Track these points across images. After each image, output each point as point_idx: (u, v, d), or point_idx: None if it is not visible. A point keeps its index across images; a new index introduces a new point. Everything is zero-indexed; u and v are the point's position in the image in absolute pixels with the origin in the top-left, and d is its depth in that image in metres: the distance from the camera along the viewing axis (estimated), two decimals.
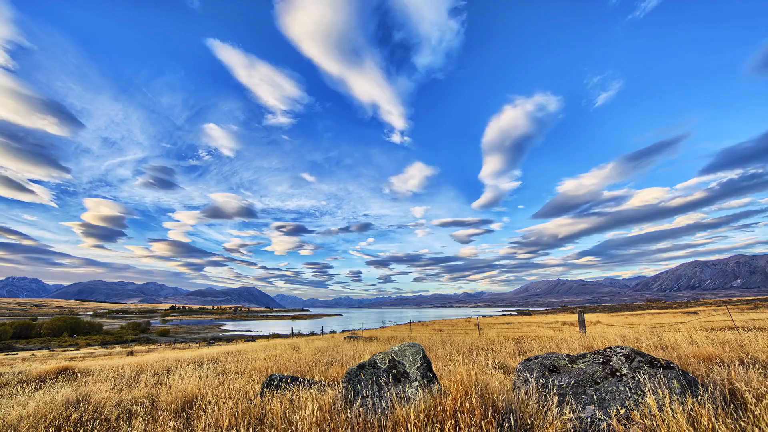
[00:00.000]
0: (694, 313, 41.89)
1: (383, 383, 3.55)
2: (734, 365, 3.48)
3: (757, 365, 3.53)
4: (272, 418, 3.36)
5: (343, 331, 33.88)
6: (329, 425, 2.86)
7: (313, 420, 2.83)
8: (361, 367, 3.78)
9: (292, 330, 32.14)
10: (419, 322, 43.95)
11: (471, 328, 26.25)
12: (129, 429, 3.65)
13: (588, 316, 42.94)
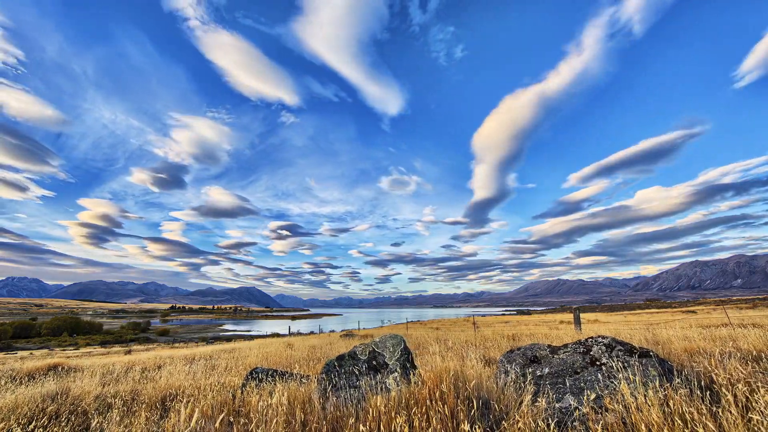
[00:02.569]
0: (693, 312, 41.87)
1: (362, 374, 3.50)
2: (715, 356, 3.42)
3: (739, 354, 3.47)
4: (249, 410, 3.31)
5: (341, 331, 33.91)
6: (299, 414, 2.81)
7: (281, 409, 2.77)
8: (341, 358, 3.73)
9: (289, 329, 32.17)
10: (418, 321, 43.88)
11: (468, 326, 26.22)
12: (101, 420, 3.60)
13: (587, 315, 42.95)
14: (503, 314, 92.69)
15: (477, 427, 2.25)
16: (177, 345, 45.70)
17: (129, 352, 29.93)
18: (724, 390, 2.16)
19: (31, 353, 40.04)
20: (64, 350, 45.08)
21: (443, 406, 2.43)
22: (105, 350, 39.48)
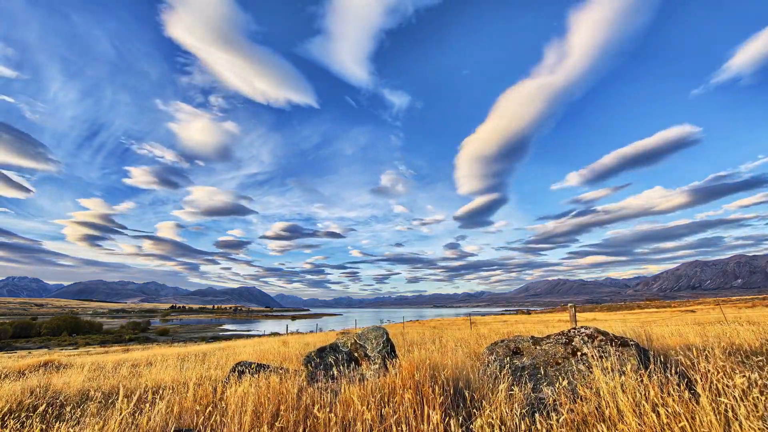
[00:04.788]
0: (692, 311, 41.83)
1: (342, 365, 3.46)
2: (698, 347, 3.38)
3: (721, 343, 3.43)
4: (226, 402, 3.27)
5: (339, 330, 34.03)
6: (269, 405, 2.77)
7: (250, 398, 2.73)
8: (322, 350, 3.70)
9: (287, 328, 32.32)
10: (416, 321, 43.90)
11: (466, 325, 26.27)
12: (77, 411, 3.57)
13: (586, 315, 42.94)
14: (503, 314, 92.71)
15: (449, 415, 2.21)
16: (176, 344, 45.74)
17: (127, 351, 29.99)
18: (696, 376, 2.12)
19: (29, 352, 40.06)
20: (63, 349, 45.10)
21: (416, 395, 2.38)
22: (104, 349, 39.53)
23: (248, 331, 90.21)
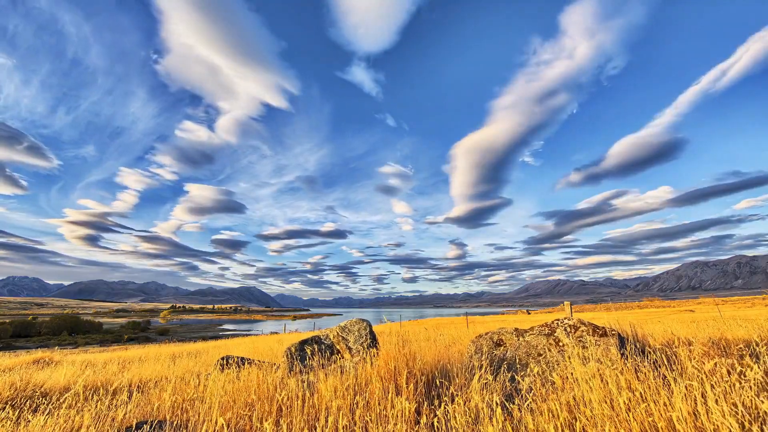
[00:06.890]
0: (691, 311, 41.75)
1: (322, 357, 3.42)
2: (680, 339, 3.34)
3: (709, 337, 3.39)
4: (203, 393, 3.23)
5: None
6: (243, 397, 2.73)
7: (218, 386, 2.70)
8: (303, 343, 3.65)
9: (285, 327, 32.42)
10: (415, 320, 43.85)
11: (464, 324, 26.31)
12: (53, 405, 3.54)
13: (586, 314, 42.88)
14: (503, 313, 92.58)
15: (420, 403, 2.17)
16: (175, 343, 45.74)
17: (126, 350, 30.05)
18: (676, 364, 2.07)
19: (28, 352, 40.12)
20: (63, 349, 45.11)
21: (390, 385, 2.34)
22: (102, 348, 39.57)
23: (248, 330, 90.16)
